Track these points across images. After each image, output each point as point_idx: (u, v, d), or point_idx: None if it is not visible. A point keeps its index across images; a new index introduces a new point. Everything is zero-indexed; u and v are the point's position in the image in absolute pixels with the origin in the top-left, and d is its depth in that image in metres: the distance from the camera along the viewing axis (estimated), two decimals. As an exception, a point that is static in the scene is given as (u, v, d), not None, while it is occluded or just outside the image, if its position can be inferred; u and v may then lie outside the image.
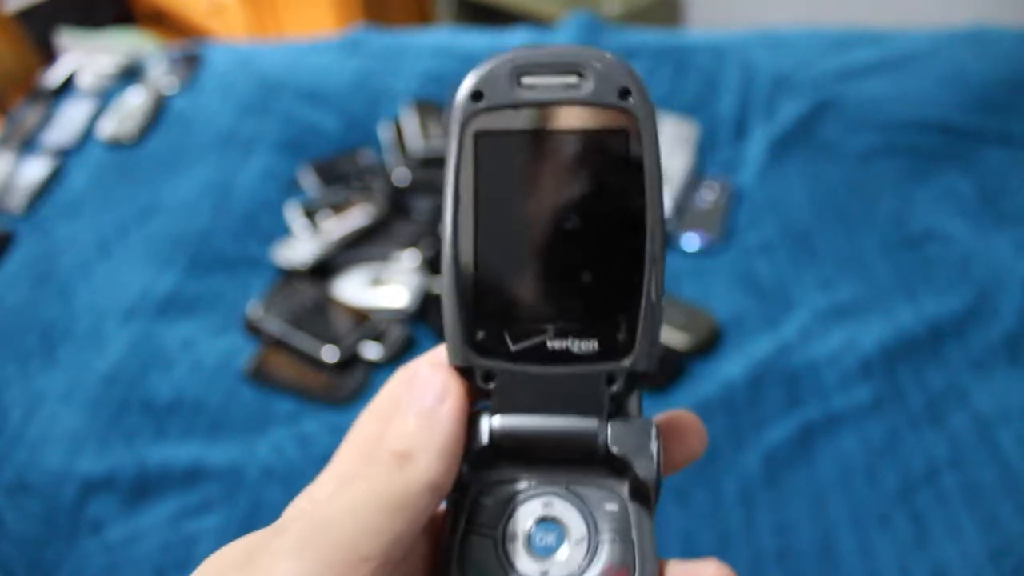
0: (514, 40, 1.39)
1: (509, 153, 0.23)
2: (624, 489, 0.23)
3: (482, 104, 0.23)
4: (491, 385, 0.23)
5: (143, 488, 0.80)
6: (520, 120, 0.23)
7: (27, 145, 1.27)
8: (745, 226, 1.07)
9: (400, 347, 0.93)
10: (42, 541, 0.76)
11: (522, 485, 0.23)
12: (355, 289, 0.99)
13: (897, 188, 1.10)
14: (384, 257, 1.02)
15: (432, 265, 1.01)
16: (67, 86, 1.39)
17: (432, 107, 1.26)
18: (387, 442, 0.22)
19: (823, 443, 0.80)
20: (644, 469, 0.22)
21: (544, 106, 0.22)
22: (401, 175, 1.14)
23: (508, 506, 0.23)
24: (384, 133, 1.25)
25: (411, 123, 1.23)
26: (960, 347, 0.88)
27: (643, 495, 0.22)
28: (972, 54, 1.28)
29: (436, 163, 1.17)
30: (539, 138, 0.23)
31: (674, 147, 1.17)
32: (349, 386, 0.89)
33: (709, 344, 0.90)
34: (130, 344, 0.94)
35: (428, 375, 0.23)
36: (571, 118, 0.22)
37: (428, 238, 1.04)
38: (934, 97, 1.21)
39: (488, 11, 2.20)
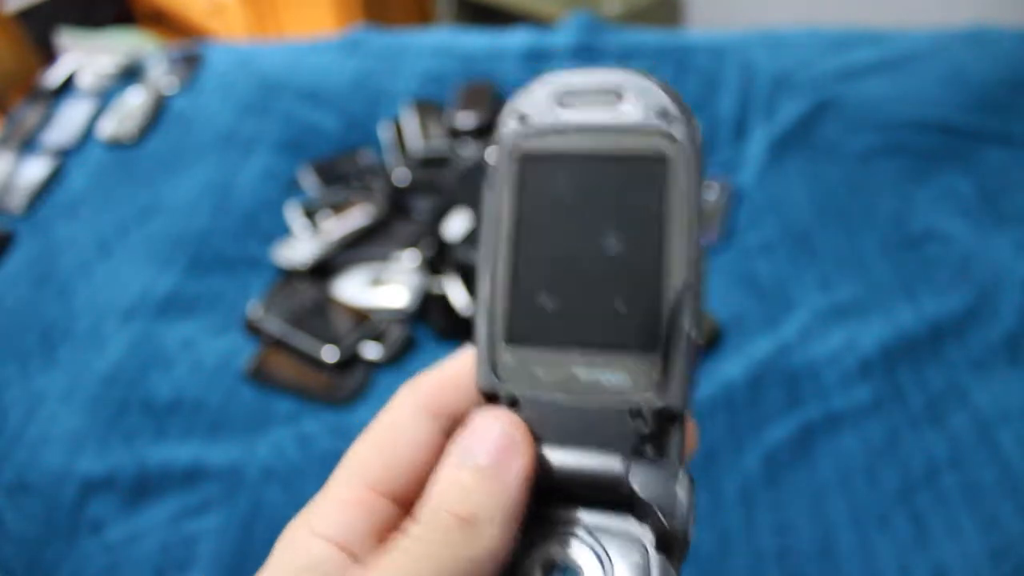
0: (514, 40, 1.39)
1: (549, 176, 0.22)
2: (650, 536, 0.21)
3: (523, 126, 0.23)
4: (515, 412, 0.22)
5: (143, 488, 0.80)
6: (561, 143, 0.22)
7: (27, 145, 1.27)
8: (745, 226, 1.07)
9: (400, 347, 0.93)
10: (42, 541, 0.76)
11: (541, 522, 0.21)
12: (355, 289, 0.99)
13: (897, 188, 1.10)
14: (384, 257, 1.02)
15: (432, 265, 1.01)
16: (67, 86, 1.39)
17: (432, 107, 1.26)
18: (440, 500, 0.20)
19: (823, 443, 0.80)
20: (669, 517, 0.20)
21: (584, 129, 0.22)
22: (401, 175, 1.14)
23: (524, 544, 0.21)
24: (384, 133, 1.25)
25: (411, 123, 1.23)
26: (960, 347, 0.88)
27: (669, 545, 0.21)
28: (972, 54, 1.28)
29: (436, 163, 1.17)
30: (579, 161, 0.22)
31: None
32: (349, 386, 0.89)
33: (709, 344, 0.90)
34: (130, 344, 0.94)
35: (486, 424, 0.21)
36: (611, 141, 0.22)
37: (428, 238, 1.04)
38: (934, 97, 1.21)
39: (488, 11, 2.20)
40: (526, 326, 0.22)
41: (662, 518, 0.20)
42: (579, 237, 0.22)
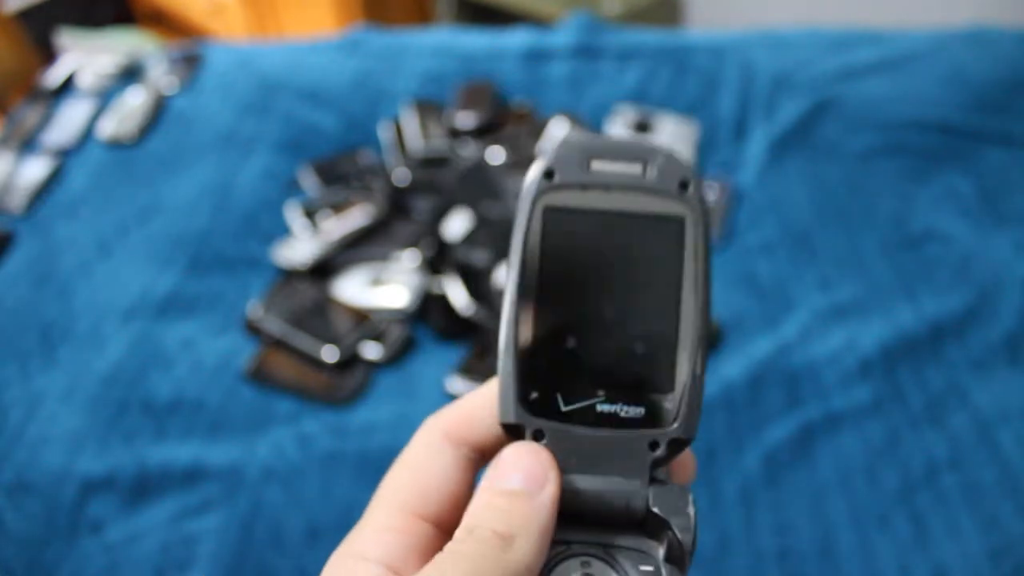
0: (514, 40, 1.39)
1: (574, 228, 0.25)
2: (659, 551, 0.23)
3: (553, 182, 0.25)
4: (540, 443, 0.24)
5: (143, 488, 0.80)
6: (586, 200, 0.25)
7: (27, 145, 1.27)
8: (745, 226, 1.07)
9: (400, 347, 0.93)
10: (42, 541, 0.76)
11: (562, 543, 0.23)
12: (355, 289, 0.99)
13: (897, 188, 1.11)
14: (384, 257, 1.02)
15: (432, 265, 1.01)
16: (67, 86, 1.39)
17: (432, 107, 1.26)
18: (478, 520, 0.22)
19: (823, 443, 0.80)
20: (682, 530, 0.23)
21: (610, 189, 0.25)
22: (401, 175, 1.14)
23: (548, 563, 0.23)
24: (384, 133, 1.25)
25: (411, 123, 1.23)
26: (960, 347, 0.88)
27: (677, 557, 0.23)
28: (972, 54, 1.28)
29: (436, 163, 1.17)
30: (602, 217, 0.25)
31: (674, 147, 1.17)
32: (349, 386, 0.89)
33: (709, 344, 0.90)
34: (130, 344, 0.94)
35: (518, 456, 0.23)
36: (633, 202, 0.25)
37: (428, 238, 1.04)
38: (934, 97, 1.21)
39: (488, 11, 2.20)
40: (551, 365, 0.24)
41: (678, 534, 0.23)
42: (600, 285, 0.24)
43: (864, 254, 1.01)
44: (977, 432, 0.80)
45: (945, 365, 0.87)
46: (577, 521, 0.23)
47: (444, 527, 0.24)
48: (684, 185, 0.25)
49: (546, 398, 0.24)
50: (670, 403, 0.24)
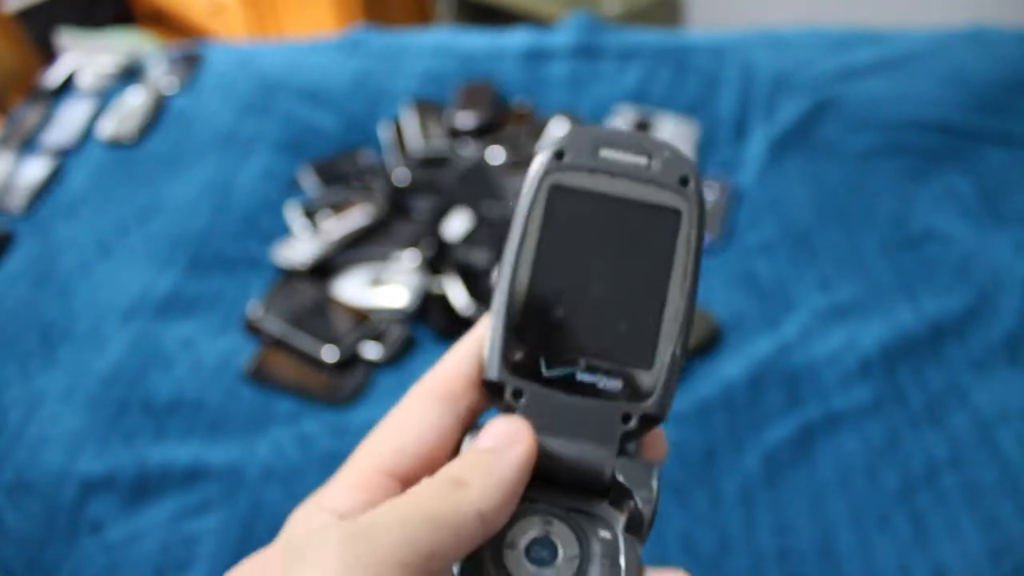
0: (514, 40, 1.39)
1: (576, 208, 0.26)
2: (620, 520, 0.24)
3: (563, 162, 0.26)
4: (519, 402, 0.25)
5: (143, 488, 0.80)
6: (592, 182, 0.26)
7: (27, 145, 1.27)
8: (745, 226, 1.07)
9: (400, 347, 0.93)
10: (42, 541, 0.76)
11: (527, 500, 0.24)
12: (355, 289, 0.99)
13: (897, 188, 1.11)
14: (384, 257, 1.02)
15: (432, 265, 1.01)
16: (67, 86, 1.39)
17: (432, 107, 1.26)
18: (444, 469, 0.23)
19: (823, 443, 0.80)
20: (644, 501, 0.23)
21: (615, 176, 0.26)
22: (401, 175, 1.14)
23: (512, 517, 0.23)
24: (384, 133, 1.25)
25: (411, 123, 1.23)
26: (960, 347, 0.88)
27: (636, 527, 0.24)
28: (972, 54, 1.28)
29: (436, 163, 1.17)
30: (604, 200, 0.26)
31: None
32: (349, 386, 0.89)
33: (709, 344, 0.90)
34: (130, 344, 0.94)
35: (495, 422, 0.24)
36: (635, 190, 0.26)
37: (428, 238, 1.04)
38: (934, 97, 1.21)
39: (488, 11, 2.20)
40: (538, 330, 0.25)
41: (639, 504, 0.23)
42: (594, 262, 0.26)
43: (864, 254, 1.01)
44: (977, 432, 0.80)
45: (945, 365, 0.87)
46: (546, 483, 0.24)
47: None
48: (684, 181, 0.26)
49: (529, 361, 0.25)
50: (647, 381, 0.25)
